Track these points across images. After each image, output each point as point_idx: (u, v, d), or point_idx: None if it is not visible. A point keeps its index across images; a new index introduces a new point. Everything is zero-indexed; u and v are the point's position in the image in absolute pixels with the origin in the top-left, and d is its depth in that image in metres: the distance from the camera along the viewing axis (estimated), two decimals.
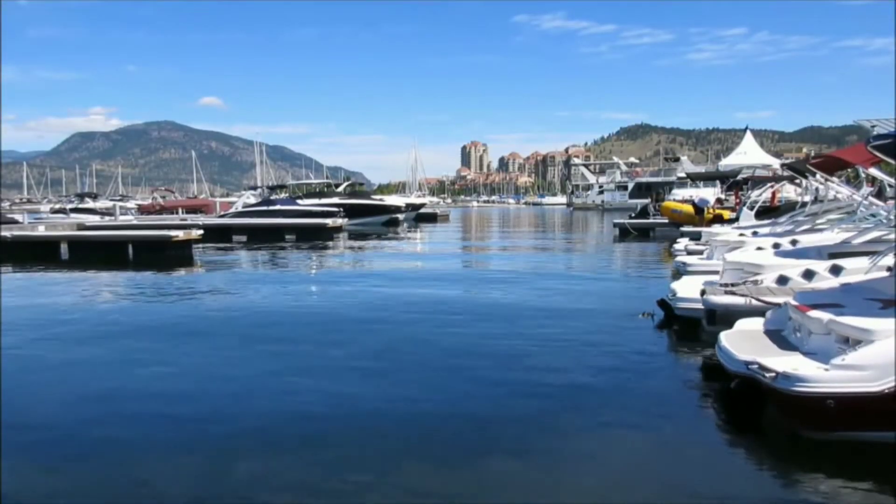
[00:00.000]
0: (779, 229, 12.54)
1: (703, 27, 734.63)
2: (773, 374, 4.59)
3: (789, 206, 19.79)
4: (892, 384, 4.28)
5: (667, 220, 26.94)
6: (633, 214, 30.91)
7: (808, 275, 7.60)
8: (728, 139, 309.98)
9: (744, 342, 5.46)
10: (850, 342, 4.63)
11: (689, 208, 25.93)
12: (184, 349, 8.24)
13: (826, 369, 4.47)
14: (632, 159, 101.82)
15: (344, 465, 4.63)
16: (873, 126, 12.89)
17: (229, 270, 17.93)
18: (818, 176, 12.49)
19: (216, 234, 27.69)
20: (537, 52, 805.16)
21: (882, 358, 4.34)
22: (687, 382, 6.47)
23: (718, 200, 27.77)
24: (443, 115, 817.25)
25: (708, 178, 43.64)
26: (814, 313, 5.08)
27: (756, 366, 4.76)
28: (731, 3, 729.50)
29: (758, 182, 26.35)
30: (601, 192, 76.98)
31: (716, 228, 16.49)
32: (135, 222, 31.00)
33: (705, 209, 24.51)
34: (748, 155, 65.47)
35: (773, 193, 23.13)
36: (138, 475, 4.49)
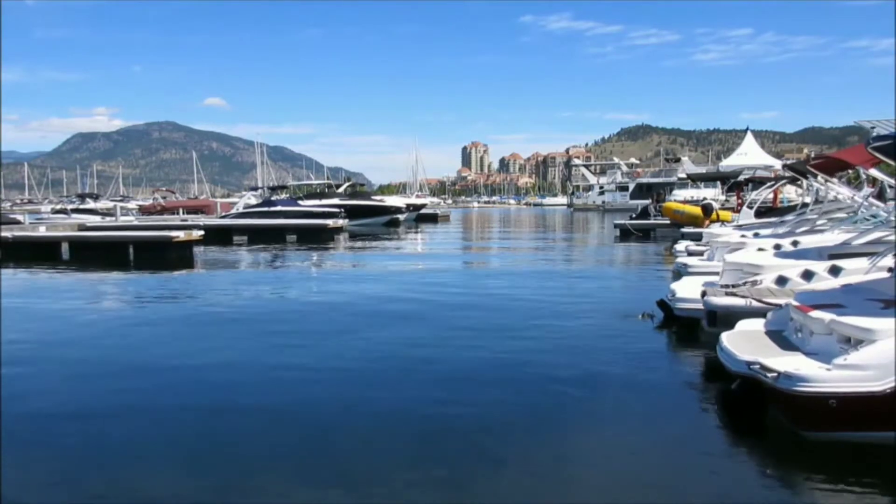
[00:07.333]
0: (780, 230, 12.51)
1: (709, 27, 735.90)
2: (776, 374, 4.59)
3: (790, 207, 19.78)
4: (894, 384, 4.29)
5: (668, 221, 26.95)
6: (633, 215, 30.88)
7: (808, 275, 7.60)
8: (729, 140, 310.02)
9: (745, 342, 5.46)
10: (851, 342, 4.63)
11: (690, 209, 25.96)
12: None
13: (828, 369, 4.47)
14: (632, 160, 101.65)
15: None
16: (873, 127, 12.88)
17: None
18: (819, 177, 12.49)
19: (217, 235, 27.72)
20: (543, 52, 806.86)
21: (884, 357, 4.34)
22: (687, 383, 6.47)
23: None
24: (446, 116, 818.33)
25: (709, 179, 43.72)
26: (815, 313, 5.09)
27: (758, 366, 4.77)
28: (738, 4, 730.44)
29: (759, 183, 26.37)
30: (602, 193, 77.05)
31: (717, 229, 16.48)
32: (136, 223, 31.01)
33: (713, 212, 24.49)
34: (749, 156, 65.62)
35: (775, 194, 23.14)
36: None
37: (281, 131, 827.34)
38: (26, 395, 6.26)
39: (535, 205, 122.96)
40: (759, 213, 18.55)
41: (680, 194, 46.59)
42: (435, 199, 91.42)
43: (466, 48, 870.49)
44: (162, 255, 20.10)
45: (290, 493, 4.24)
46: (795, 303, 5.59)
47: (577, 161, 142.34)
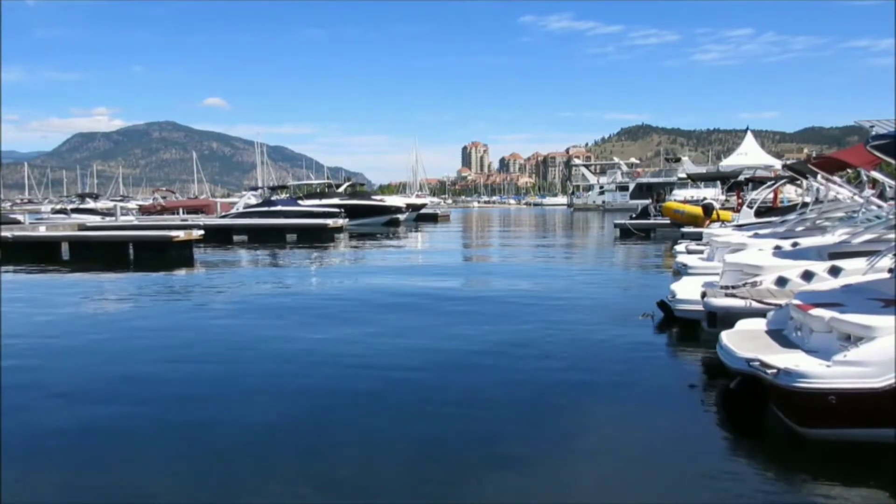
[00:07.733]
0: (780, 230, 12.51)
1: (709, 28, 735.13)
2: (775, 371, 4.60)
3: (790, 207, 19.76)
4: (894, 380, 4.29)
5: (668, 221, 26.95)
6: (633, 215, 30.89)
7: (807, 276, 7.60)
8: (729, 140, 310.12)
9: (745, 341, 5.47)
10: (851, 339, 4.64)
11: (690, 209, 25.95)
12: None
13: (828, 366, 4.48)
14: (632, 160, 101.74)
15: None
16: (872, 126, 12.87)
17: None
18: (819, 177, 12.48)
19: (217, 235, 27.73)
20: (543, 52, 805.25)
21: (883, 354, 4.35)
22: (686, 383, 6.47)
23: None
24: (446, 116, 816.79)
25: (709, 179, 43.74)
26: (815, 311, 5.09)
27: (757, 363, 4.77)
28: (738, 4, 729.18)
29: (759, 183, 26.37)
30: (602, 193, 77.13)
31: (717, 229, 16.46)
32: (136, 223, 31.01)
33: (713, 212, 24.48)
34: (749, 155, 65.70)
35: (775, 194, 23.13)
36: None
37: (281, 131, 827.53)
38: (25, 392, 6.28)
39: (535, 205, 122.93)
40: (759, 213, 18.53)
41: (680, 194, 46.61)
42: (435, 199, 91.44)
43: (466, 48, 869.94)
44: (162, 254, 20.11)
45: (285, 491, 4.25)
46: (796, 301, 5.60)
47: (577, 161, 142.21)
